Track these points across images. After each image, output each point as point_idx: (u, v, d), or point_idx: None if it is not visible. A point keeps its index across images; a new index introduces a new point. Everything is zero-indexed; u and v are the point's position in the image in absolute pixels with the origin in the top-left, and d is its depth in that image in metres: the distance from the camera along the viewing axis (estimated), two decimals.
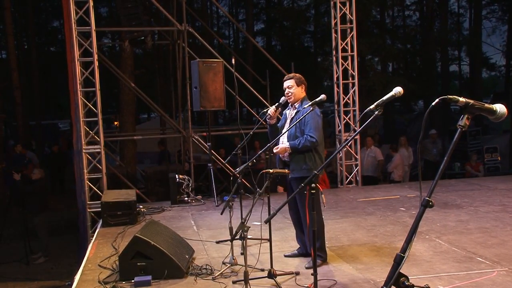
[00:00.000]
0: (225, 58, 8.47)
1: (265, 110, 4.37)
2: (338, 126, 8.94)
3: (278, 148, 4.26)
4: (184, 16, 8.54)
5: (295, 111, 4.35)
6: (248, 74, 12.77)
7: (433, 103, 2.09)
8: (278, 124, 4.48)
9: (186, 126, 8.77)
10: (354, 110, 8.90)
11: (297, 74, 4.47)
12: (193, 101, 7.82)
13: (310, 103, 4.09)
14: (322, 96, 4.07)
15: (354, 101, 8.92)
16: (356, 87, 8.88)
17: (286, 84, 4.38)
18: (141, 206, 6.87)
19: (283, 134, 4.30)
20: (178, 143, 10.15)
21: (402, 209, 6.60)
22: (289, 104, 4.44)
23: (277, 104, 4.38)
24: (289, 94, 4.35)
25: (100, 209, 6.50)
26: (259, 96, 9.15)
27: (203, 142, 8.34)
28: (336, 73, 8.93)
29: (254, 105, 15.41)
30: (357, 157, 8.97)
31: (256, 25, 27.13)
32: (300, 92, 4.38)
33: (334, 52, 9.04)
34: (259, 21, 27.81)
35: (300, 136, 4.22)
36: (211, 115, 12.10)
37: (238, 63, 9.26)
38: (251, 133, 4.63)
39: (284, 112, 4.54)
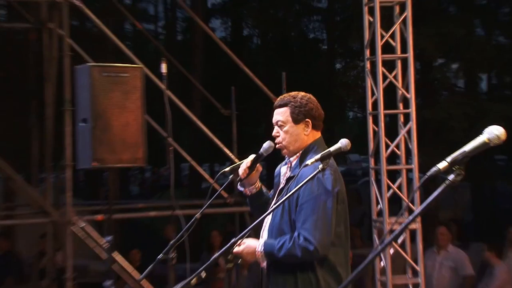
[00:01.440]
0: (148, 62, 8.71)
1: (227, 169, 4.43)
2: (378, 204, 8.30)
3: (241, 246, 4.18)
4: None
5: (290, 174, 4.30)
6: (195, 94, 12.43)
7: None
8: (270, 193, 4.51)
9: (61, 201, 8.20)
10: (410, 171, 8.55)
11: (299, 94, 4.27)
12: (78, 150, 7.48)
13: (317, 157, 3.84)
14: (343, 143, 3.88)
15: (408, 152, 8.46)
16: (412, 123, 8.42)
17: (275, 117, 4.32)
18: None
19: (267, 214, 4.10)
20: (39, 236, 9.95)
21: None
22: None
23: (254, 156, 4.27)
24: (279, 138, 4.26)
25: None
26: (216, 140, 9.03)
27: (95, 234, 7.89)
28: (373, 94, 8.34)
29: (207, 158, 15.17)
30: (417, 268, 8.32)
31: None
32: (299, 134, 4.25)
33: (367, 53, 8.62)
34: None
35: (288, 231, 4.12)
36: (114, 178, 12.18)
37: (174, 70, 8.94)
38: (197, 216, 4.30)
39: (278, 168, 4.51)
